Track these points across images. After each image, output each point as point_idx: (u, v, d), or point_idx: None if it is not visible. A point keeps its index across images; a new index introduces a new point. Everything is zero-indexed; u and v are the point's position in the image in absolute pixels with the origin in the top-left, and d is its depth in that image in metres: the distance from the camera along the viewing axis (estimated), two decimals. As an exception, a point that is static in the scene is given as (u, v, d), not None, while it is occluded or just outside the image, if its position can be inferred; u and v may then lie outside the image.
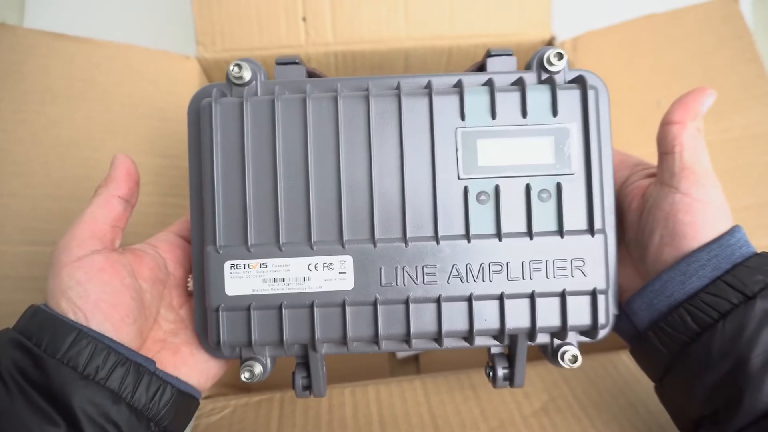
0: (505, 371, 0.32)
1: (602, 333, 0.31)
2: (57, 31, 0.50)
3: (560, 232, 0.30)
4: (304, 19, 0.52)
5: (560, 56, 0.31)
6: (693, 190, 0.29)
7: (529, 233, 0.30)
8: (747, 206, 0.46)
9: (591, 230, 0.30)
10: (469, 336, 0.30)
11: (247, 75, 0.30)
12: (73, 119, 0.48)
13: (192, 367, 0.31)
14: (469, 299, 0.30)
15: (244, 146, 0.30)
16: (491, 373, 0.32)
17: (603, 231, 0.30)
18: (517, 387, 0.32)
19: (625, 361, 0.44)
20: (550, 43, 0.55)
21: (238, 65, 0.30)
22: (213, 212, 0.30)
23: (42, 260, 0.45)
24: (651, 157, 0.49)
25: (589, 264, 0.30)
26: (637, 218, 0.32)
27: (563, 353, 0.31)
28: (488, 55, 0.33)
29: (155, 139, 0.50)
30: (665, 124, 0.31)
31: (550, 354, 0.31)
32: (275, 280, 0.30)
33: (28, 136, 0.47)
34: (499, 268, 0.30)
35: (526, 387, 0.42)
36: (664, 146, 0.31)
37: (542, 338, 0.31)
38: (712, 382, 0.28)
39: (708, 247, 0.29)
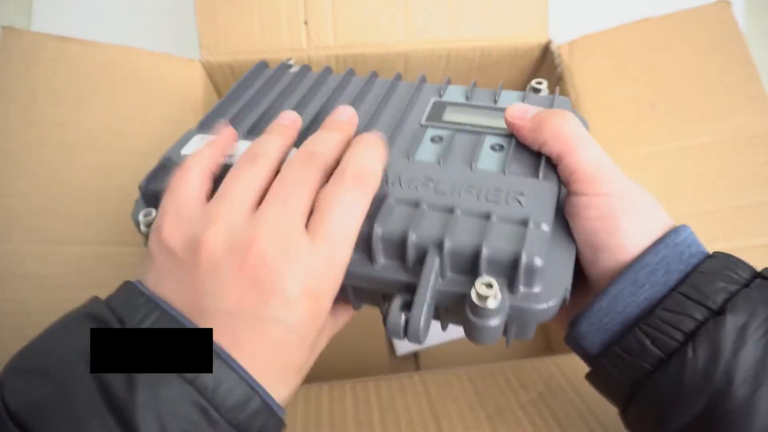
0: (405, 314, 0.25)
1: (538, 286, 0.25)
2: (63, 35, 0.51)
3: (504, 171, 0.28)
4: (305, 23, 0.53)
5: (540, 82, 0.35)
6: (589, 195, 0.26)
7: (470, 165, 0.29)
8: (739, 206, 0.47)
9: (537, 176, 0.28)
10: (368, 242, 0.26)
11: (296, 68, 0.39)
12: (78, 121, 0.49)
13: None
14: (383, 198, 0.27)
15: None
16: (386, 307, 0.25)
17: (554, 181, 0.28)
18: (413, 339, 0.24)
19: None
20: (547, 46, 0.56)
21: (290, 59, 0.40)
22: (221, 104, 0.35)
23: (46, 259, 0.46)
24: (648, 157, 0.50)
25: (529, 197, 0.27)
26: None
27: (476, 283, 0.24)
28: None
29: (160, 140, 0.51)
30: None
31: (467, 301, 0.24)
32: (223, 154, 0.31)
33: (35, 138, 0.48)
34: (427, 181, 0.28)
35: (523, 378, 0.42)
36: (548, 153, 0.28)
37: (456, 283, 0.25)
38: (688, 420, 0.23)
39: (654, 249, 0.25)
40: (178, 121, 0.52)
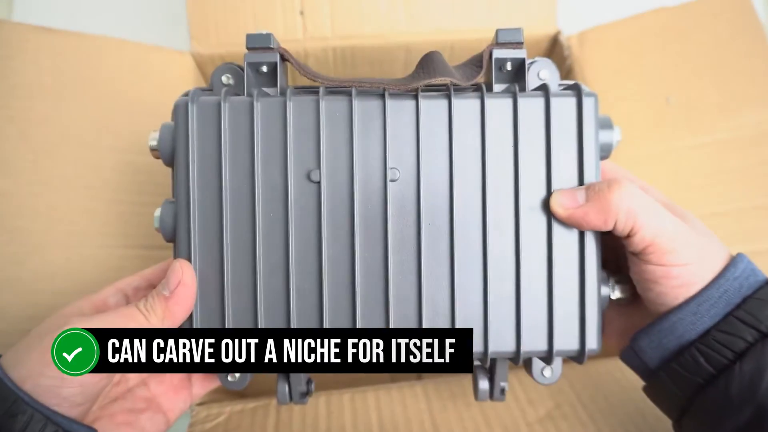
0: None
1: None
2: (46, 25, 0.48)
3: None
4: (301, 13, 0.51)
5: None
6: (669, 266, 0.27)
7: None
8: (761, 206, 0.45)
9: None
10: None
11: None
12: (62, 116, 0.47)
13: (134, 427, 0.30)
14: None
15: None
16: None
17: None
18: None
19: (633, 366, 0.43)
20: (556, 38, 0.53)
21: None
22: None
23: (29, 261, 0.43)
24: (663, 155, 0.48)
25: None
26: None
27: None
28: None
29: (148, 136, 0.49)
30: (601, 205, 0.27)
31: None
32: None
33: (17, 133, 0.46)
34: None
35: (531, 393, 0.40)
36: (615, 230, 0.28)
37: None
38: (735, 429, 0.26)
39: (716, 284, 0.27)
40: (166, 117, 0.49)
